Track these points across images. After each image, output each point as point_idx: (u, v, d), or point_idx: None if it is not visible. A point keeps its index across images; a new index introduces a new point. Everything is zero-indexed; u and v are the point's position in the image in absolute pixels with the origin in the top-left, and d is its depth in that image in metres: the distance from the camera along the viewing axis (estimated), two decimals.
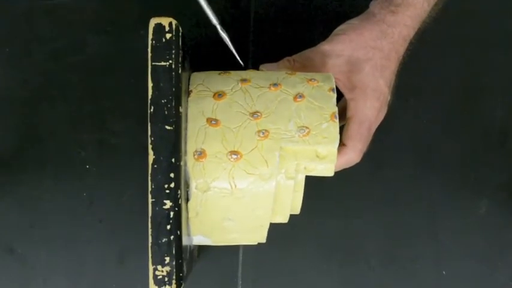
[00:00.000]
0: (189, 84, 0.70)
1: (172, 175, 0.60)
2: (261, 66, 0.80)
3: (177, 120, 0.61)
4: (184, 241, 0.64)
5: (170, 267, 0.60)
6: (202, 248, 0.91)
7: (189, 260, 0.69)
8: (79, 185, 0.92)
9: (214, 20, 0.63)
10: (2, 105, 0.92)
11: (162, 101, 0.60)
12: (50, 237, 0.90)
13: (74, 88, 0.93)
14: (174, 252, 0.60)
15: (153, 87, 0.60)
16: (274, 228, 0.72)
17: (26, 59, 0.93)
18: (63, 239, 0.91)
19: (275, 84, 0.70)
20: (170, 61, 0.60)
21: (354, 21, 0.79)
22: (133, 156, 0.92)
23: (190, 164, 0.65)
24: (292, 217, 0.75)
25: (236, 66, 0.85)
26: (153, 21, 0.63)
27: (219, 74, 0.73)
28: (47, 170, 0.91)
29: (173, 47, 0.61)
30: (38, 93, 0.93)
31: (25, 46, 0.94)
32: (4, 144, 0.92)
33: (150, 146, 0.60)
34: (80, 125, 0.92)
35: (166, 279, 0.60)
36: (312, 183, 0.72)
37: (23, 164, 0.91)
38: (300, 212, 0.76)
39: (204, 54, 0.89)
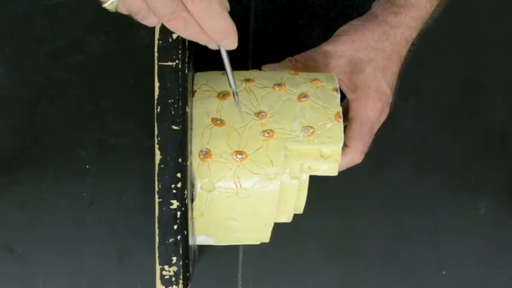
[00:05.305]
0: (193, 84, 0.70)
1: (179, 175, 0.60)
2: (263, 67, 0.80)
3: (184, 120, 0.60)
4: (190, 241, 0.64)
5: (177, 267, 0.60)
6: (202, 248, 0.91)
7: (193, 260, 0.69)
8: (79, 185, 0.91)
9: (233, 86, 0.64)
10: (2, 105, 0.92)
11: (169, 101, 0.60)
12: (50, 237, 0.90)
13: (74, 88, 0.93)
14: (181, 252, 0.60)
15: (159, 87, 0.60)
16: (274, 228, 0.72)
17: (26, 59, 0.93)
18: (63, 239, 0.90)
19: (279, 84, 0.70)
20: (177, 61, 0.60)
21: (356, 22, 0.79)
22: (134, 156, 0.92)
23: (196, 164, 0.65)
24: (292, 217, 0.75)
25: (238, 66, 0.85)
26: None
27: (222, 73, 0.72)
28: (47, 170, 0.91)
29: (179, 46, 0.61)
30: (38, 93, 0.92)
31: (25, 46, 0.93)
32: (4, 144, 0.91)
33: (156, 146, 0.60)
34: (80, 125, 0.92)
35: (173, 279, 0.60)
36: (312, 183, 0.72)
37: (23, 164, 0.91)
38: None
39: (205, 54, 0.89)
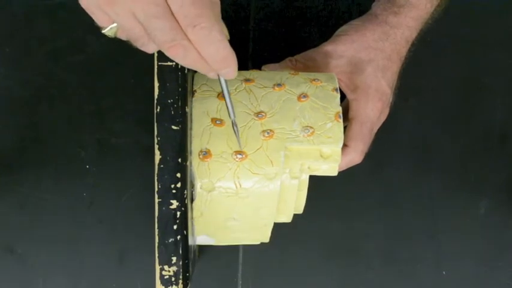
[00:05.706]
0: (192, 84, 0.70)
1: (178, 175, 0.60)
2: (263, 67, 0.80)
3: (183, 120, 0.61)
4: (189, 241, 0.64)
5: (177, 267, 0.60)
6: (202, 248, 0.91)
7: (193, 260, 0.69)
8: (79, 185, 0.91)
9: (232, 115, 0.63)
10: (2, 105, 0.92)
11: (169, 101, 0.60)
12: (50, 237, 0.90)
13: (74, 88, 0.93)
14: (180, 252, 0.60)
15: (159, 87, 0.60)
16: (274, 228, 0.73)
17: (26, 59, 0.93)
18: (63, 239, 0.90)
19: (279, 84, 0.70)
20: None
21: (356, 22, 0.79)
22: (133, 156, 0.92)
23: (195, 164, 0.65)
24: (292, 217, 0.75)
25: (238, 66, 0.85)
26: None
27: None
28: (47, 170, 0.91)
29: None
30: (38, 93, 0.92)
31: (25, 46, 0.93)
32: (4, 144, 0.91)
33: (156, 146, 0.60)
34: (80, 125, 0.92)
35: (173, 279, 0.60)
36: (312, 183, 0.72)
37: (23, 164, 0.91)
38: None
39: None
